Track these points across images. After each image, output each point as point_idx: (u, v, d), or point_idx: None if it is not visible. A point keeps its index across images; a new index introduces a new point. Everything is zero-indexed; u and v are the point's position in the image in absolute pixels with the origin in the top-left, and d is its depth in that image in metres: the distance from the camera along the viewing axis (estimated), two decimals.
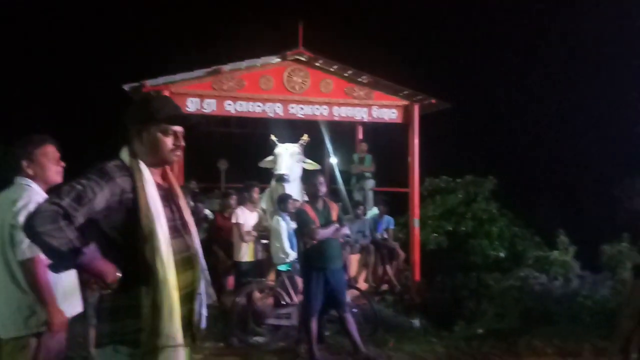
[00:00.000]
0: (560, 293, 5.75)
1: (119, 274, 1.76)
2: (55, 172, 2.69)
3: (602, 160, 11.32)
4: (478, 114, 13.25)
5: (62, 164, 2.73)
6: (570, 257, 6.47)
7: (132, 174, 1.86)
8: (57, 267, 1.79)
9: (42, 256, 2.37)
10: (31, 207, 2.30)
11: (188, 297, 1.93)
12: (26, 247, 2.46)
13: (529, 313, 5.64)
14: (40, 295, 2.49)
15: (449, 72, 13.82)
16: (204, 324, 2.07)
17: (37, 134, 2.71)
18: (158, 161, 1.96)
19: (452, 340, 5.58)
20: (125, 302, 1.80)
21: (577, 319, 5.43)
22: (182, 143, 1.98)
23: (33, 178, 2.63)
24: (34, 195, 2.55)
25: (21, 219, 2.34)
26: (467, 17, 15.13)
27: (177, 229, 1.95)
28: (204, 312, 2.07)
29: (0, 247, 2.55)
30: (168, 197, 1.99)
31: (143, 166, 1.89)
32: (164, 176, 2.05)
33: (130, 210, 1.81)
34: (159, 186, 1.95)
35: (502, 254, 8.50)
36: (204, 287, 2.07)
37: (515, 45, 13.92)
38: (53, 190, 1.72)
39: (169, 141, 1.94)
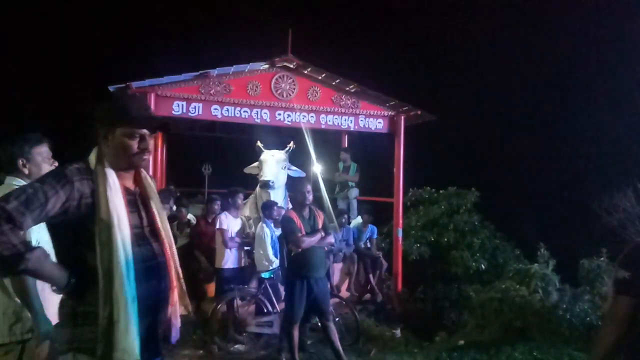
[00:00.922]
0: (540, 306, 5.80)
1: (72, 280, 1.69)
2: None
3: (584, 175, 11.56)
4: (462, 127, 13.42)
5: (56, 163, 2.68)
6: (550, 270, 6.54)
7: (94, 177, 1.78)
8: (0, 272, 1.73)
9: None
10: None
11: (152, 308, 1.84)
12: None
13: (510, 325, 5.69)
14: (27, 303, 2.41)
15: (434, 85, 14.00)
16: (175, 337, 1.99)
17: (31, 133, 2.65)
18: (124, 165, 1.88)
19: (433, 350, 5.59)
20: (83, 309, 1.74)
21: (556, 331, 5.50)
22: (150, 146, 1.88)
23: (28, 177, 2.56)
24: None
25: None
26: (454, 31, 15.37)
27: (144, 237, 1.87)
28: (177, 323, 1.99)
29: None
30: (137, 203, 1.91)
31: (108, 170, 1.81)
32: (137, 180, 1.96)
33: (88, 216, 1.73)
34: (127, 191, 1.87)
35: (483, 266, 8.58)
36: (177, 298, 1.99)
37: (499, 58, 14.16)
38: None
39: (134, 144, 1.84)
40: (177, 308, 1.99)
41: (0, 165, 2.58)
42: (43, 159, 2.62)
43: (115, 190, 1.79)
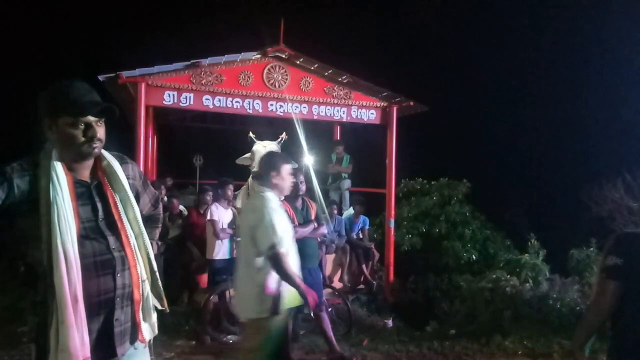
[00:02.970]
0: (530, 295, 5.86)
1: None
2: None
3: (574, 165, 11.66)
4: (454, 118, 13.46)
5: None
6: (540, 260, 6.61)
7: (37, 172, 1.71)
8: None
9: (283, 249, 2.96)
10: None
11: (105, 305, 1.75)
12: (270, 242, 2.94)
13: (500, 314, 5.74)
14: (291, 282, 2.97)
15: (427, 76, 13.99)
16: (149, 333, 1.90)
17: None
18: (73, 156, 1.77)
19: (425, 340, 5.63)
20: (40, 299, 1.69)
21: (546, 320, 5.56)
22: (97, 134, 1.77)
23: None
24: None
25: None
26: (446, 23, 15.34)
27: (97, 230, 1.78)
28: (149, 320, 1.91)
29: (244, 242, 3.03)
30: (91, 194, 1.81)
31: (55, 163, 1.73)
32: (95, 170, 1.85)
33: (29, 212, 1.68)
34: (79, 182, 1.78)
35: (474, 256, 8.65)
36: (149, 293, 1.90)
37: (492, 50, 14.19)
38: None
39: (79, 134, 1.74)
40: (146, 305, 1.88)
41: None
42: None
43: (59, 184, 1.70)
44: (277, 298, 3.01)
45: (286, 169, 3.22)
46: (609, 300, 2.01)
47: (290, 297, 3.09)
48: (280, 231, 3.02)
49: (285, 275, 2.98)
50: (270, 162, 3.24)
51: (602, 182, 8.78)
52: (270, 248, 2.95)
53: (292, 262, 3.11)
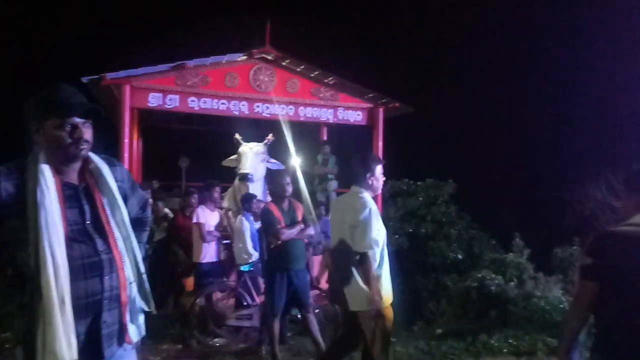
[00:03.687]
0: (515, 294, 5.94)
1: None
2: None
3: (558, 166, 11.83)
4: (440, 119, 13.57)
5: None
6: (524, 259, 6.69)
7: (24, 175, 1.71)
8: None
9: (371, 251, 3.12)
10: None
11: (92, 307, 1.76)
12: (365, 242, 3.10)
13: (486, 313, 5.80)
14: (367, 283, 3.11)
15: (413, 78, 14.09)
16: (134, 337, 1.89)
17: None
18: (61, 158, 1.77)
19: (411, 340, 5.66)
20: (25, 301, 1.70)
21: (531, 318, 5.63)
22: (85, 135, 1.78)
23: None
24: None
25: None
26: (433, 25, 15.47)
27: (85, 233, 1.78)
28: (136, 322, 1.91)
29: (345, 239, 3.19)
30: (79, 197, 1.81)
31: (43, 166, 1.73)
32: (83, 173, 1.86)
33: (17, 215, 1.68)
34: (67, 185, 1.79)
35: (459, 256, 8.72)
36: (136, 295, 1.91)
37: (478, 53, 14.34)
38: None
39: (65, 135, 1.74)
40: (133, 307, 1.89)
41: None
42: None
43: (46, 187, 1.71)
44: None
45: (379, 169, 3.39)
46: (588, 300, 2.02)
47: (387, 289, 3.27)
48: (375, 232, 3.19)
49: (366, 276, 3.14)
50: (365, 163, 3.37)
51: (586, 182, 8.94)
52: (363, 247, 3.12)
53: (384, 263, 3.28)
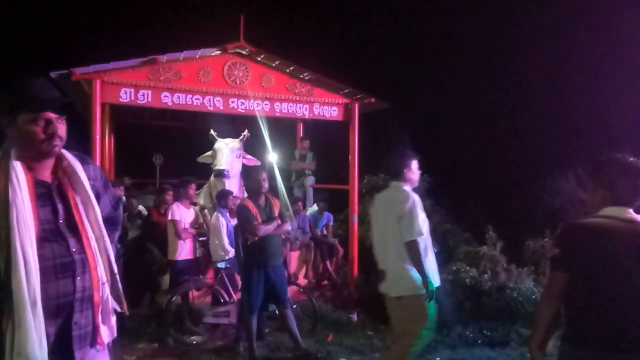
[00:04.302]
0: (489, 286, 6.05)
1: None
2: None
3: (529, 159, 12.10)
4: (414, 114, 13.70)
5: None
6: (498, 251, 6.82)
7: None
8: None
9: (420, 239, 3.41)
10: None
11: (64, 308, 1.72)
12: (413, 231, 3.38)
13: (461, 305, 5.90)
14: (418, 269, 3.38)
15: (388, 73, 14.19)
16: (107, 337, 1.86)
17: None
18: (33, 155, 1.72)
19: (388, 332, 5.71)
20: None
21: (504, 310, 5.76)
22: (59, 130, 1.73)
23: None
24: None
25: None
26: (407, 20, 15.58)
27: (57, 232, 1.73)
28: (109, 323, 1.87)
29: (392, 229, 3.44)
30: (52, 195, 1.76)
31: (14, 162, 1.68)
32: (56, 170, 1.81)
33: None
34: (39, 183, 1.74)
35: (435, 249, 8.82)
36: (108, 295, 1.87)
37: (452, 47, 14.51)
38: None
39: (38, 131, 1.69)
40: (105, 307, 1.84)
41: None
42: None
43: (18, 184, 1.66)
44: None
45: (415, 163, 3.67)
46: (557, 291, 2.07)
47: (433, 276, 3.52)
48: (421, 221, 3.47)
49: (416, 262, 3.39)
50: (402, 160, 3.65)
51: (555, 175, 9.17)
52: (411, 236, 3.39)
53: (429, 252, 3.57)
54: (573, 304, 2.09)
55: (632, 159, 2.14)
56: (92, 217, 1.83)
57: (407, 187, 3.60)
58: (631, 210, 2.10)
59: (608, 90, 10.97)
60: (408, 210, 3.43)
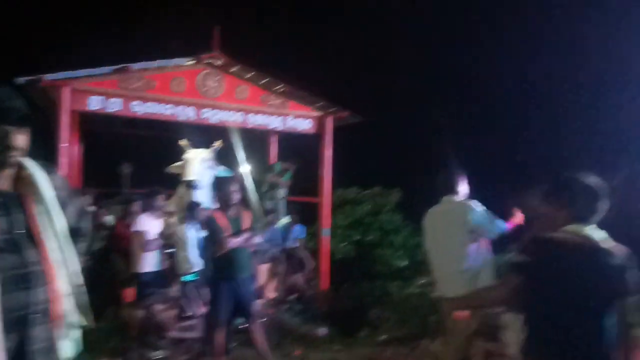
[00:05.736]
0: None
1: None
2: None
3: (499, 175, 12.33)
4: (386, 129, 13.87)
5: None
6: None
7: None
8: None
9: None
10: None
11: (21, 322, 1.67)
12: (496, 223, 3.92)
13: (427, 319, 5.96)
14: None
15: (362, 86, 14.35)
16: (70, 350, 1.80)
17: None
18: None
19: (356, 346, 5.73)
20: None
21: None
22: (16, 142, 1.69)
23: None
24: None
25: None
26: (383, 33, 15.81)
27: (13, 243, 1.70)
28: (76, 335, 1.83)
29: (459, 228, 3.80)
30: (8, 206, 1.73)
31: None
32: (17, 180, 1.78)
33: None
34: None
35: (404, 263, 8.92)
36: (71, 308, 1.82)
37: (426, 59, 14.77)
38: None
39: None
40: (67, 321, 1.80)
41: None
42: None
43: None
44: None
45: (464, 179, 4.15)
46: (506, 291, 2.21)
47: None
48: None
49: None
50: (456, 177, 4.15)
51: (522, 191, 9.37)
52: (495, 234, 3.97)
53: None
54: (533, 315, 2.20)
55: (590, 179, 2.24)
56: (54, 228, 1.79)
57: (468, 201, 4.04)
58: (591, 227, 2.19)
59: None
60: (481, 212, 3.88)
